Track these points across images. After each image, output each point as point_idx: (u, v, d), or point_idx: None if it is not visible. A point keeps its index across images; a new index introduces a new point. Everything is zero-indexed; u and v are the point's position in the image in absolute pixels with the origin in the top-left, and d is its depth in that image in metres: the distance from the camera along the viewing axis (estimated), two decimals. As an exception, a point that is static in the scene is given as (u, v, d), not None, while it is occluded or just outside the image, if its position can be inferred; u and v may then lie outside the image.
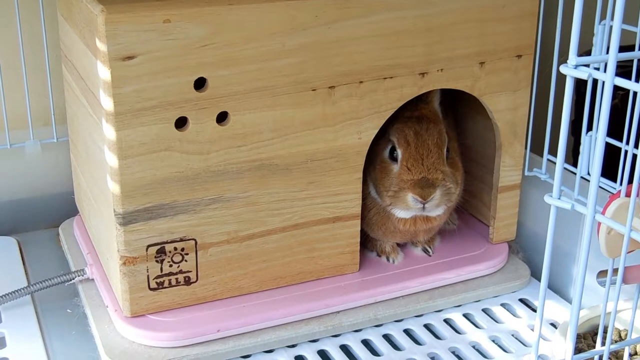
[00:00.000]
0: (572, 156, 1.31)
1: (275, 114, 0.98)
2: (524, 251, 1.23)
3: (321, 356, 1.05)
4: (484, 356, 1.07)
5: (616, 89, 0.67)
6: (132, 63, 0.90)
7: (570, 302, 1.17)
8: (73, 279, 1.11)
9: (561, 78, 0.78)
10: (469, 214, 1.26)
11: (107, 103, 0.92)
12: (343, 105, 1.01)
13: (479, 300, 1.16)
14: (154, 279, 1.00)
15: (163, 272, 1.01)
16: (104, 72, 0.91)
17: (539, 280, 1.19)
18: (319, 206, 1.05)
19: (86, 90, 1.03)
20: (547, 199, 0.71)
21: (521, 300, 1.17)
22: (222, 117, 0.96)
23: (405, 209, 1.08)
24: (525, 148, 1.19)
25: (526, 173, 1.21)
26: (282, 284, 1.08)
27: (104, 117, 0.94)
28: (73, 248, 1.22)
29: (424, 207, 1.07)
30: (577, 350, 0.99)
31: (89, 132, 1.06)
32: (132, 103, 0.91)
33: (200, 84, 0.93)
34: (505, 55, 1.12)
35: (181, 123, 0.94)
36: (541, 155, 1.22)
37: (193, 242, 1.01)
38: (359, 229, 1.10)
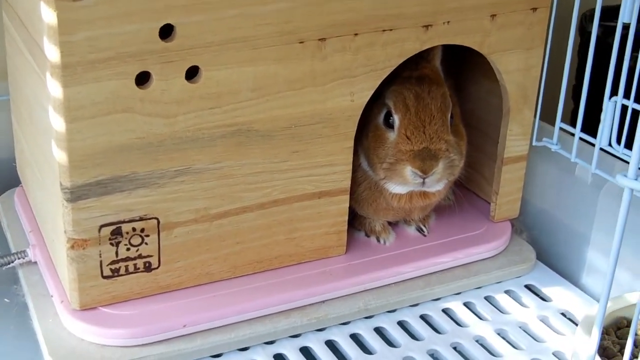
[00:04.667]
0: (570, 122, 1.19)
1: (255, 71, 0.87)
2: (528, 230, 1.13)
3: (304, 354, 0.93)
4: (492, 354, 0.95)
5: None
6: (83, 4, 0.77)
7: (582, 288, 1.06)
8: (12, 261, 0.99)
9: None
10: (465, 189, 1.13)
11: (53, 53, 0.78)
12: (335, 61, 0.90)
13: (480, 287, 1.05)
14: (107, 265, 0.88)
15: (119, 257, 0.89)
16: (48, 15, 0.77)
17: (546, 264, 1.10)
18: (303, 179, 0.95)
19: (29, 40, 0.89)
20: (621, 179, 0.57)
21: (527, 287, 1.06)
22: (192, 73, 0.84)
23: (401, 183, 0.96)
24: (535, 115, 1.07)
25: (534, 143, 1.09)
26: (259, 269, 0.97)
27: (49, 71, 0.80)
28: (13, 225, 1.08)
29: (423, 182, 0.95)
30: (602, 349, 0.87)
31: (33, 90, 0.92)
32: (84, 54, 0.78)
33: (166, 31, 0.81)
34: (519, 7, 1.00)
35: (143, 79, 0.82)
36: (550, 123, 1.10)
37: (155, 221, 0.89)
38: (347, 205, 0.99)
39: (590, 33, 0.99)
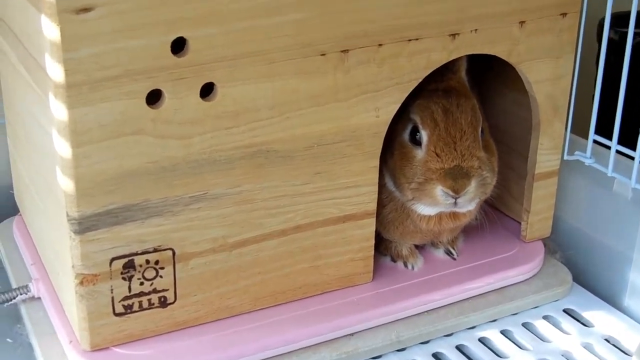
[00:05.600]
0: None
1: (273, 86, 0.81)
2: (562, 250, 1.08)
3: (336, 391, 0.86)
4: (538, 386, 0.87)
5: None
6: (88, 17, 0.71)
7: (625, 312, 1.00)
8: (14, 297, 0.93)
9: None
10: (492, 207, 1.07)
11: (56, 72, 0.72)
12: (358, 74, 0.85)
13: (516, 313, 0.99)
14: (120, 302, 0.82)
15: (132, 292, 0.82)
16: (50, 30, 0.71)
17: (583, 285, 1.04)
18: (327, 202, 0.89)
19: (26, 57, 0.83)
20: None
21: (566, 311, 1.00)
22: (206, 90, 0.79)
23: (431, 204, 0.91)
24: (566, 128, 1.02)
25: (565, 157, 1.04)
26: (282, 300, 0.91)
27: (52, 91, 0.74)
28: (13, 257, 1.02)
29: (455, 202, 0.90)
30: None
31: (31, 111, 0.86)
32: (90, 71, 0.72)
33: (178, 46, 0.76)
34: (548, 12, 0.94)
35: (154, 98, 0.77)
36: (582, 135, 1.05)
37: (170, 252, 0.83)
38: (373, 229, 0.93)
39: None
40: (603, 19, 1.14)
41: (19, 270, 1.00)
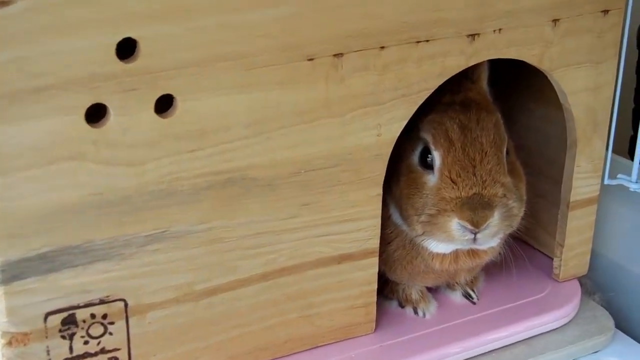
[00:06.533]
0: (629, 152, 1.08)
1: (250, 99, 0.70)
2: (601, 291, 0.98)
3: None
4: None
5: None
6: (8, 12, 0.59)
7: None
8: None
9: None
10: (519, 240, 0.96)
11: None
12: (355, 83, 0.75)
13: None
14: None
15: (74, 354, 0.71)
16: None
17: (626, 332, 0.94)
18: (318, 240, 0.79)
19: None
20: None
21: None
22: (164, 105, 0.68)
23: (446, 240, 0.81)
24: (607, 147, 0.92)
25: (606, 181, 0.93)
26: (264, 358, 0.80)
27: None
28: None
29: (474, 238, 0.79)
30: None
31: None
32: (11, 81, 0.61)
33: (127, 48, 0.65)
34: (587, 8, 0.83)
35: (97, 115, 0.66)
36: (625, 156, 0.98)
37: (121, 304, 0.72)
38: (376, 270, 0.83)
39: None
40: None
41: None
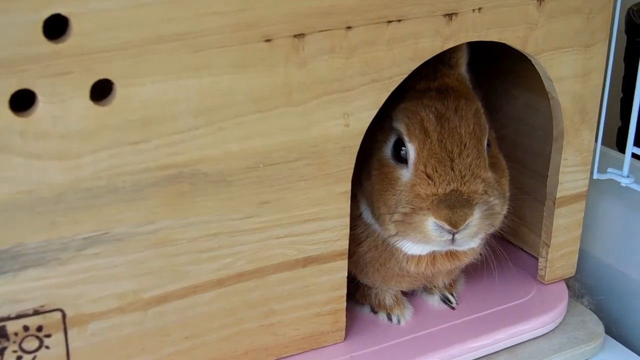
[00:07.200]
0: (617, 144, 1.07)
1: (200, 84, 0.67)
2: (590, 294, 0.95)
3: None
4: None
5: None
6: None
7: None
8: None
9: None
10: (502, 239, 0.94)
11: None
12: (319, 67, 0.71)
13: None
14: None
15: None
16: None
17: (617, 338, 0.92)
18: (280, 241, 0.75)
19: None
20: None
21: None
22: (101, 91, 0.64)
23: (421, 241, 0.78)
24: (596, 138, 0.89)
25: (595, 176, 0.91)
26: None
27: None
28: None
29: (453, 239, 0.76)
30: None
31: None
32: None
33: (56, 26, 0.60)
34: None
35: (23, 102, 0.62)
36: (615, 148, 0.96)
37: (59, 314, 0.68)
38: (345, 274, 0.80)
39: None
40: (633, 6, 1.08)
41: None
